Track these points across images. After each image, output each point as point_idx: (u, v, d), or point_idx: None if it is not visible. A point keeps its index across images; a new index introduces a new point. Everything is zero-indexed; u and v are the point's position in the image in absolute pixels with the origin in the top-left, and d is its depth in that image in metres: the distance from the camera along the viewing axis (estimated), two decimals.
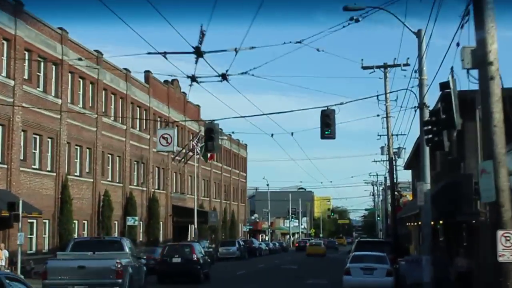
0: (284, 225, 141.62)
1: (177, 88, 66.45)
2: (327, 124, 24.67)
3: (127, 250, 22.68)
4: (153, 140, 58.18)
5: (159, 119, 60.68)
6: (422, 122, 23.04)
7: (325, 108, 24.93)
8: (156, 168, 59.71)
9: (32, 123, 37.54)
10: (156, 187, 59.29)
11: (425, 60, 24.62)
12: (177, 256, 32.31)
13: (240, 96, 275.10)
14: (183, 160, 65.09)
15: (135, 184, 54.26)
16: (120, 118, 51.33)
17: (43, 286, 19.62)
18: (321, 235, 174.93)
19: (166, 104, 62.06)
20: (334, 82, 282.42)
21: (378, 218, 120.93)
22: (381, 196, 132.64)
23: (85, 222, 44.93)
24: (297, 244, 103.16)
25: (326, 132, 24.58)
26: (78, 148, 44.28)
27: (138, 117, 55.51)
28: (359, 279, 24.10)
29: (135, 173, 54.78)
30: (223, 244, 61.57)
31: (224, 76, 17.10)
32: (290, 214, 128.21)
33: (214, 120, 25.38)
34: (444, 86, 16.57)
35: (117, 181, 50.57)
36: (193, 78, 17.40)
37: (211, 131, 25.05)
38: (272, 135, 36.77)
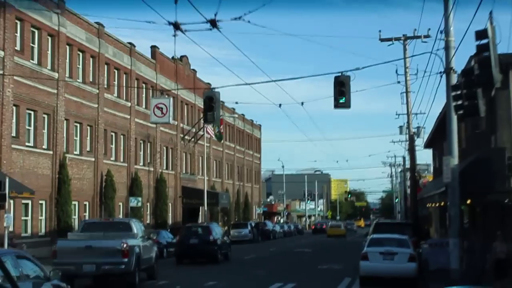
0: (300, 207, 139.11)
1: (187, 65, 63.72)
2: (341, 92, 21.93)
3: (135, 231, 22.99)
4: None
5: (166, 96, 58.03)
6: (450, 88, 20.19)
7: (339, 74, 22.23)
8: (164, 148, 57.16)
9: (25, 97, 35.00)
10: (164, 168, 56.79)
11: (453, 20, 21.68)
12: (194, 237, 33.54)
13: (248, 72, 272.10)
14: (193, 140, 62.55)
15: (141, 164, 51.76)
16: (125, 95, 48.77)
17: (52, 265, 18.93)
18: (337, 218, 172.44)
19: (174, 81, 59.38)
20: (350, 58, 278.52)
21: (396, 200, 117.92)
22: (399, 178, 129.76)
23: (86, 203, 42.51)
24: (313, 227, 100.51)
25: (340, 101, 21.86)
26: (78, 125, 41.78)
27: (144, 94, 52.93)
28: (378, 264, 21.38)
29: (141, 152, 52.25)
30: (235, 226, 59.04)
31: (213, 23, 14.33)
32: (306, 196, 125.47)
33: (214, 88, 22.67)
34: (480, 35, 13.70)
35: (121, 160, 48.08)
36: (176, 26, 14.62)
37: (211, 100, 22.42)
38: (280, 105, 34.18)
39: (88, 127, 43.06)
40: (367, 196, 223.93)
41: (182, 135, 60.76)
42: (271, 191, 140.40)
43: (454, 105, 18.03)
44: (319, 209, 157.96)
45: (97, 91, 43.72)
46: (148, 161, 53.26)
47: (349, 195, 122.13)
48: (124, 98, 48.65)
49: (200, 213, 66.49)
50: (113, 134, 46.97)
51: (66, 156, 38.78)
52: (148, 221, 52.60)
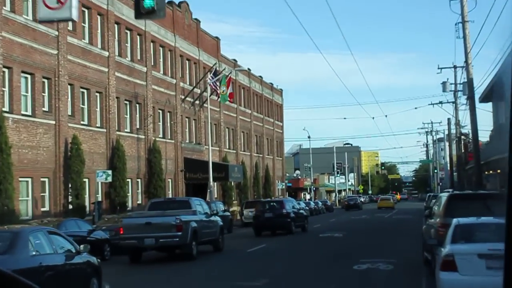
0: (329, 181, 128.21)
1: (187, 13, 52.99)
2: None
3: (194, 208, 25.13)
4: (152, 74, 45.19)
5: (160, 48, 47.52)
6: None
7: None
8: (159, 111, 46.77)
9: None
10: (160, 135, 46.47)
11: None
12: (269, 211, 36.71)
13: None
14: (197, 102, 52.14)
15: (126, 130, 41.48)
16: (99, 41, 38.39)
17: (119, 240, 23.12)
18: (369, 192, 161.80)
19: (171, 31, 48.77)
20: None
21: (435, 171, 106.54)
22: (437, 146, 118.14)
23: (46, 180, 32.32)
24: (346, 203, 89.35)
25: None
26: (28, 76, 31.47)
27: (129, 43, 42.48)
28: (478, 280, 10.65)
29: (127, 116, 41.94)
30: (249, 205, 48.44)
31: None
32: (336, 169, 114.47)
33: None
34: None
35: (97, 125, 37.83)
36: None
37: None
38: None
39: (45, 80, 32.78)
40: (399, 169, 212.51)
41: (182, 97, 50.31)
42: (298, 167, 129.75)
43: None
44: (349, 183, 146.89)
45: (56, 32, 33.38)
46: (137, 126, 42.94)
47: (382, 167, 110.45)
48: (99, 46, 38.28)
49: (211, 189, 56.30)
50: (84, 91, 36.66)
51: (4, 117, 28.50)
52: (139, 201, 42.41)
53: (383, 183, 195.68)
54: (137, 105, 43.15)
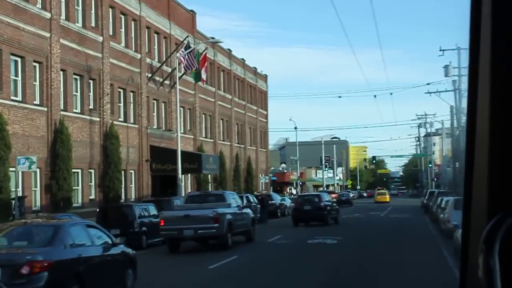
0: (316, 176, 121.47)
1: None
2: None
3: (229, 201, 26.92)
4: (110, 46, 38.06)
5: (122, 16, 40.42)
6: None
7: None
8: (120, 90, 39.73)
9: None
10: (121, 119, 39.48)
11: None
12: (308, 204, 39.56)
13: None
14: (167, 83, 45.20)
15: (76, 110, 34.42)
16: (39, 0, 31.24)
17: (160, 231, 24.84)
18: (358, 187, 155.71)
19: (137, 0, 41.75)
20: None
21: (430, 165, 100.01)
22: (431, 140, 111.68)
23: None
24: (337, 199, 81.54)
25: None
26: None
27: (80, 5, 35.32)
28: None
29: (77, 93, 34.86)
30: None
31: None
32: (324, 162, 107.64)
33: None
34: None
35: (36, 102, 30.69)
36: None
37: None
38: None
39: None
40: (387, 164, 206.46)
41: (149, 75, 43.28)
42: (285, 161, 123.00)
43: None
44: (337, 178, 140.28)
45: None
46: (91, 107, 35.87)
47: (374, 161, 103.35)
48: (39, 5, 31.13)
49: (183, 181, 49.35)
50: (17, 59, 29.52)
51: None
52: (91, 196, 35.38)
53: (371, 178, 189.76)
54: (91, 81, 36.07)
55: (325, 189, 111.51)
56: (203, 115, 55.54)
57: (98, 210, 28.42)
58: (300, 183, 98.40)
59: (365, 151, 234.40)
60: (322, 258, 20.83)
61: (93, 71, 35.83)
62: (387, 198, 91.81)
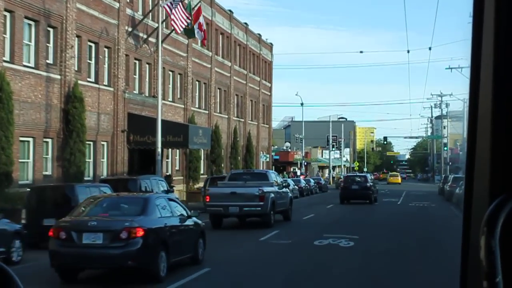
0: (322, 156, 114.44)
1: None
2: None
3: (271, 180, 27.28)
4: None
5: None
6: None
7: None
8: (90, 45, 32.71)
9: None
10: (90, 79, 32.56)
11: None
12: (355, 184, 43.70)
13: None
14: (153, 40, 38.26)
15: (27, 63, 27.44)
16: None
17: (206, 207, 26.05)
18: (365, 169, 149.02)
19: None
20: None
21: (445, 148, 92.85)
22: (440, 123, 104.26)
23: None
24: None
25: None
26: None
27: None
28: None
29: (31, 43, 27.83)
30: (214, 182, 34.40)
31: None
32: (331, 142, 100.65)
33: None
34: None
35: None
36: None
37: None
38: None
39: None
40: (393, 147, 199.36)
41: (129, 28, 36.26)
42: (290, 140, 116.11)
43: None
44: (344, 159, 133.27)
45: None
46: (49, 61, 28.88)
47: (385, 142, 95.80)
48: None
49: (171, 157, 42.72)
50: None
51: None
52: (47, 171, 28.58)
53: (378, 160, 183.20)
54: (50, 29, 29.03)
55: (331, 170, 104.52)
56: (197, 83, 48.51)
57: (29, 190, 21.51)
58: (305, 163, 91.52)
59: (372, 132, 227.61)
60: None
61: (53, 16, 28.78)
62: (399, 180, 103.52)
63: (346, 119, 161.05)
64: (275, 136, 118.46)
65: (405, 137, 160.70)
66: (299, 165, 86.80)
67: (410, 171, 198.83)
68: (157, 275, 13.12)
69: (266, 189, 25.38)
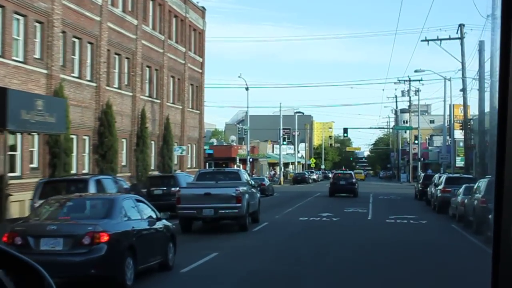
0: (273, 152, 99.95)
1: None
2: None
3: (244, 180, 25.27)
4: None
5: None
6: None
7: None
8: None
9: None
10: None
11: None
12: (342, 180, 49.87)
13: None
14: None
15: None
16: None
17: (177, 210, 22.87)
18: (322, 167, 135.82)
19: None
20: None
21: (416, 142, 79.11)
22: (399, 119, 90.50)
23: None
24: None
25: None
26: None
27: None
28: None
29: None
30: (45, 189, 19.09)
31: None
32: (282, 135, 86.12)
33: None
34: None
35: None
36: None
37: None
38: None
39: None
40: (352, 143, 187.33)
41: None
42: (243, 137, 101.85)
43: None
44: (299, 155, 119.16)
45: None
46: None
47: (346, 134, 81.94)
48: None
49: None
50: None
51: None
52: None
53: (337, 157, 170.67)
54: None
55: (282, 168, 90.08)
56: (77, 40, 33.23)
57: None
58: (251, 159, 76.63)
59: (331, 128, 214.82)
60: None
61: None
62: (363, 176, 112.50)
63: (303, 113, 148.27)
64: (230, 132, 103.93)
65: (370, 127, 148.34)
66: (237, 161, 71.67)
67: (370, 168, 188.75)
68: (123, 283, 12.10)
69: (242, 189, 23.40)
